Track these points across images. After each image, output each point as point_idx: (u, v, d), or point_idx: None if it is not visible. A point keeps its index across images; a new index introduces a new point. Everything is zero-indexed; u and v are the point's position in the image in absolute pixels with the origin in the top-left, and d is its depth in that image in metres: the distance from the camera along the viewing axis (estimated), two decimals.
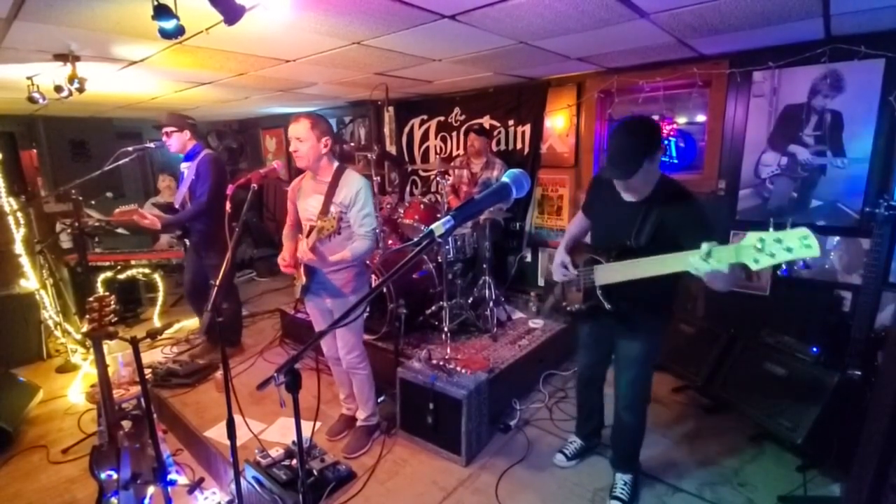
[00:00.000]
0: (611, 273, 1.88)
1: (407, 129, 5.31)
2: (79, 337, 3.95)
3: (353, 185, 2.29)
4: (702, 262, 1.44)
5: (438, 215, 3.58)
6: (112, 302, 1.88)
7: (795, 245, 1.30)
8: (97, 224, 4.52)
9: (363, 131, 5.77)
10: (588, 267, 2.00)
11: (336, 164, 2.36)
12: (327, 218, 2.02)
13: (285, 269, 2.43)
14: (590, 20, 2.35)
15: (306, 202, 2.39)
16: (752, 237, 1.36)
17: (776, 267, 1.33)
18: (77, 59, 2.74)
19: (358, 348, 2.53)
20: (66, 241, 4.74)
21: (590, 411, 2.53)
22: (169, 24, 1.81)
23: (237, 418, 1.82)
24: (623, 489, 2.22)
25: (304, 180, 2.44)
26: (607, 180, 1.90)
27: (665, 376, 3.29)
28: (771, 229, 1.36)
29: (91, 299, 1.84)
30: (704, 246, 1.44)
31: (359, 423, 2.70)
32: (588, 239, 2.23)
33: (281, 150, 6.89)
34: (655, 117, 3.65)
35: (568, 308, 2.18)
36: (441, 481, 2.40)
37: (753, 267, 1.37)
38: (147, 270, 4.53)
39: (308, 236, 2.14)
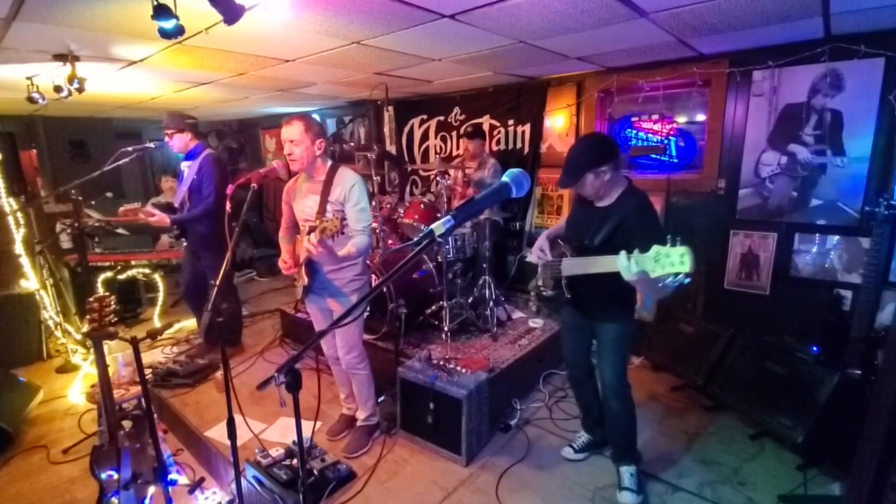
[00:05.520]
0: (571, 266, 2.10)
1: (407, 129, 5.31)
2: (79, 337, 3.95)
3: (347, 181, 2.30)
4: (625, 263, 1.59)
5: (438, 215, 3.58)
6: (112, 302, 1.88)
7: (676, 260, 1.44)
8: (97, 224, 4.51)
9: (363, 131, 5.77)
10: (558, 259, 2.19)
11: (330, 162, 2.37)
12: (329, 218, 2.02)
13: (287, 272, 2.43)
14: (589, 19, 2.35)
15: (302, 203, 2.39)
16: (654, 249, 1.50)
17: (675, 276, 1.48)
18: (76, 59, 2.73)
19: (357, 348, 2.53)
20: (66, 242, 4.74)
21: (586, 401, 2.56)
22: (168, 24, 1.81)
23: (237, 418, 1.82)
24: (631, 480, 2.24)
25: (298, 181, 2.45)
26: None
27: (665, 376, 3.30)
28: (668, 244, 1.48)
29: (91, 299, 1.84)
30: (626, 253, 1.59)
31: (359, 423, 2.70)
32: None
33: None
34: (655, 116, 3.67)
35: (543, 292, 2.35)
36: (441, 481, 2.41)
37: (652, 275, 1.51)
38: (147, 270, 4.53)
39: (308, 236, 2.14)
